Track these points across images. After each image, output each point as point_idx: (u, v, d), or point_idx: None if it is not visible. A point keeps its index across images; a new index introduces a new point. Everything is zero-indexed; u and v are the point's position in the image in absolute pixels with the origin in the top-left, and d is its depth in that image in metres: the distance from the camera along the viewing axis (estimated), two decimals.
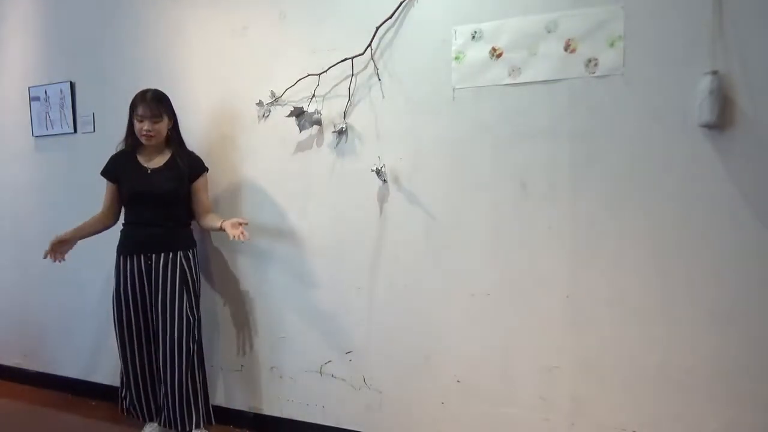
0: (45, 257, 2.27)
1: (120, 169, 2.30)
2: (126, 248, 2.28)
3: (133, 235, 2.28)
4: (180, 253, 2.27)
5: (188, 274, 2.27)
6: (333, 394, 2.32)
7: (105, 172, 2.34)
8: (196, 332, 2.28)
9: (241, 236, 2.08)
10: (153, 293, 2.25)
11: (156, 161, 2.28)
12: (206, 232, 2.51)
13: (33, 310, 3.11)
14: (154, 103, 2.20)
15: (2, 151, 3.16)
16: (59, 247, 2.28)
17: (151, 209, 2.23)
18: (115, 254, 2.31)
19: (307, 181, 2.30)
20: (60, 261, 2.30)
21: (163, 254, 2.24)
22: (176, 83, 2.52)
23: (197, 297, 2.32)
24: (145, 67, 2.62)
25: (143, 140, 2.22)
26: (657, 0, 1.73)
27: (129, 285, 2.25)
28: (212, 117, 2.49)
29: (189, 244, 2.33)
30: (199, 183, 2.32)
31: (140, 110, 2.18)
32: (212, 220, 2.27)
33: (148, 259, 2.24)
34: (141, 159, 2.28)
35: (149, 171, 2.26)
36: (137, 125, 2.20)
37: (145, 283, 2.26)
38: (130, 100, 2.25)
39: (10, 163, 3.13)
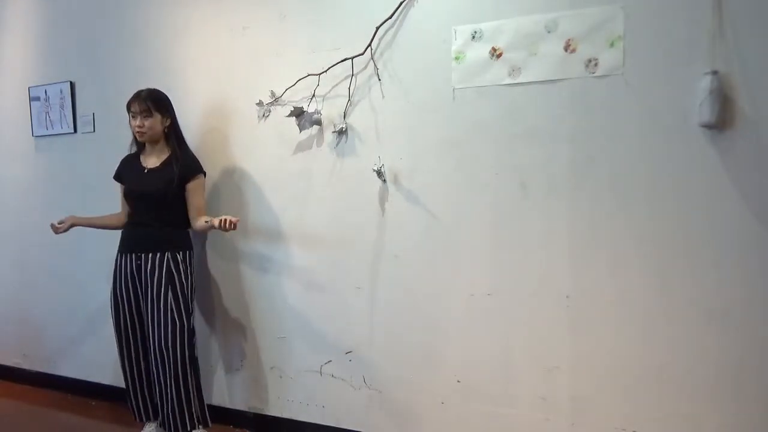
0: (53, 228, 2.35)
1: (125, 170, 2.36)
2: (122, 247, 2.31)
3: (129, 234, 2.31)
4: (168, 254, 2.22)
5: (176, 277, 2.22)
6: (333, 394, 2.32)
7: (116, 173, 2.39)
8: (185, 337, 2.21)
9: (226, 223, 2.01)
10: (143, 293, 2.25)
11: (153, 161, 2.29)
12: (204, 232, 2.51)
13: (33, 310, 3.11)
14: (145, 100, 2.21)
15: (2, 151, 3.16)
16: (61, 226, 2.35)
17: (145, 209, 2.25)
18: (115, 254, 2.33)
19: (307, 181, 2.30)
20: (57, 232, 2.36)
21: (151, 254, 2.22)
22: (176, 83, 2.52)
23: (186, 301, 2.24)
24: (145, 67, 2.62)
25: (137, 136, 2.27)
26: (657, 0, 1.73)
27: (122, 283, 2.27)
28: (212, 117, 2.49)
29: (180, 246, 2.27)
30: (191, 185, 2.27)
31: (132, 107, 2.23)
32: (201, 221, 2.23)
33: (138, 258, 2.25)
34: (142, 159, 2.31)
35: (146, 171, 2.27)
36: (131, 122, 2.24)
37: (137, 283, 2.26)
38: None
39: (10, 163, 3.13)
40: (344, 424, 2.31)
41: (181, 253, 2.26)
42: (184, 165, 2.27)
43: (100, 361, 2.88)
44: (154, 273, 2.22)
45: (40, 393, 3.04)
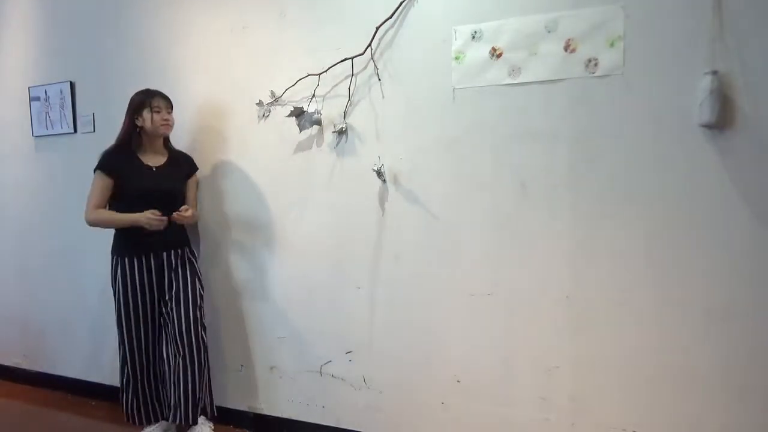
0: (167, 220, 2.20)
1: (123, 167, 2.23)
2: (134, 249, 2.24)
3: (141, 234, 2.22)
4: (187, 249, 2.37)
5: (197, 268, 2.37)
6: (333, 394, 2.32)
7: (107, 168, 2.21)
8: (205, 327, 2.35)
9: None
10: (167, 289, 2.29)
11: (157, 160, 2.30)
12: (208, 231, 2.52)
13: (33, 310, 3.11)
14: (166, 97, 2.30)
15: (2, 151, 3.16)
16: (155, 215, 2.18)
17: (158, 207, 2.22)
18: (109, 256, 2.30)
19: (307, 181, 2.30)
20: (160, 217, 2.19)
21: (173, 251, 2.30)
22: (176, 83, 2.52)
23: (203, 292, 2.40)
24: (145, 67, 2.62)
25: (162, 130, 2.26)
26: (657, 0, 1.73)
27: (138, 286, 2.25)
28: (212, 117, 2.49)
29: (189, 240, 2.41)
30: (192, 180, 2.43)
31: (157, 101, 2.25)
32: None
33: (158, 257, 2.27)
34: (142, 158, 2.28)
35: (154, 169, 2.27)
36: (155, 117, 2.23)
37: (155, 282, 2.28)
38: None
39: (10, 163, 3.13)
40: (344, 424, 2.31)
41: (193, 246, 2.43)
42: (187, 162, 2.41)
43: (100, 361, 2.88)
44: (178, 269, 2.31)
45: (40, 393, 3.04)
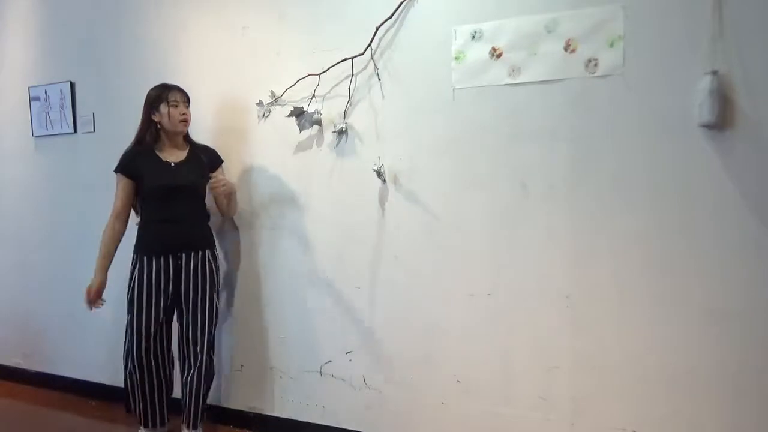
0: (91, 310, 2.26)
1: (141, 165, 2.19)
2: (152, 248, 2.20)
3: (161, 233, 2.20)
4: (208, 252, 2.28)
5: (215, 275, 2.30)
6: (333, 394, 2.32)
7: (124, 168, 2.20)
8: (215, 330, 2.32)
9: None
10: (183, 293, 2.22)
11: (177, 155, 2.25)
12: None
13: (33, 310, 3.11)
14: (183, 91, 2.25)
15: (2, 151, 3.16)
16: (98, 298, 2.25)
17: (177, 204, 2.18)
18: (132, 254, 2.25)
19: (307, 181, 2.30)
20: (100, 306, 2.27)
21: (192, 253, 2.22)
22: (176, 83, 2.50)
23: (219, 297, 2.34)
24: (145, 67, 2.62)
25: (180, 126, 2.22)
26: (657, 0, 1.73)
27: (154, 287, 2.19)
28: (212, 117, 2.49)
29: (212, 242, 2.34)
30: (217, 174, 2.33)
31: (174, 95, 2.20)
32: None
33: (177, 258, 2.21)
34: (160, 155, 2.23)
35: (173, 165, 2.22)
36: (173, 111, 2.18)
37: (171, 284, 2.21)
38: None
39: (10, 163, 3.13)
40: (344, 424, 2.31)
41: (215, 249, 2.35)
42: (210, 155, 2.34)
43: (100, 361, 2.88)
44: (197, 273, 2.23)
45: (40, 393, 3.04)
